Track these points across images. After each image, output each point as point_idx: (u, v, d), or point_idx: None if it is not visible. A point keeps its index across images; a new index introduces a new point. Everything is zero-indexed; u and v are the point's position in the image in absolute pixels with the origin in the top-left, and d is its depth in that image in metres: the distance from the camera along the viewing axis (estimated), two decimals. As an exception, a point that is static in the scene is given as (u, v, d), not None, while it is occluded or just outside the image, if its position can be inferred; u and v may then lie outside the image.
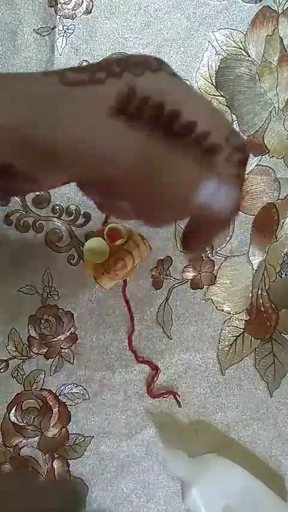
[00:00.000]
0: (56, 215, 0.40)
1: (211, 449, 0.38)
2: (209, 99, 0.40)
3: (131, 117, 0.21)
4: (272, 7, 0.41)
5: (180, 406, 0.40)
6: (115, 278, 0.36)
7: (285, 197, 0.41)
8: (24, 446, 0.39)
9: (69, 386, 0.40)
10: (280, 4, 0.41)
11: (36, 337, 0.40)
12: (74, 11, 0.40)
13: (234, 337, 0.41)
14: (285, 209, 0.41)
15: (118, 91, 0.21)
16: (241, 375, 0.40)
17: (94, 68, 0.21)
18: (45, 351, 0.40)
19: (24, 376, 0.40)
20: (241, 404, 0.40)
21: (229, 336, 0.41)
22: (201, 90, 0.40)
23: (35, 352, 0.40)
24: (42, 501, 0.36)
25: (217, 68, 0.40)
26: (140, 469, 0.40)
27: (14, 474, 0.39)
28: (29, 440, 0.39)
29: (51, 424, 0.40)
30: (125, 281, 0.40)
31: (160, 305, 0.40)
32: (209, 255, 0.41)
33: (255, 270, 0.41)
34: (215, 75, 0.40)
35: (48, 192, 0.39)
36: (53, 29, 0.40)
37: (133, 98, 0.21)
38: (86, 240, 0.40)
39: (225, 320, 0.41)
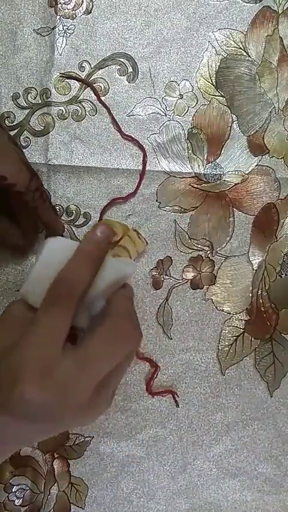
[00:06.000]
0: (56, 215, 0.40)
1: None
2: (209, 99, 0.40)
3: None
4: (272, 7, 0.41)
5: (178, 406, 0.40)
6: None
7: (285, 197, 0.41)
8: (24, 446, 0.40)
9: (69, 386, 0.40)
10: (280, 4, 0.41)
11: (36, 337, 0.40)
12: (74, 11, 0.40)
13: (234, 337, 0.41)
14: (285, 209, 0.41)
15: None
16: (241, 375, 0.40)
17: None
18: (45, 351, 0.40)
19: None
20: (241, 404, 0.40)
21: (229, 336, 0.41)
22: (201, 90, 0.40)
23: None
24: None
25: (217, 68, 0.40)
26: (140, 469, 0.40)
27: None
28: (29, 440, 0.40)
29: (51, 424, 0.40)
30: None
31: (160, 305, 0.40)
32: (209, 255, 0.41)
33: (255, 270, 0.41)
34: (215, 75, 0.41)
35: (48, 192, 0.39)
36: (53, 29, 0.40)
37: None
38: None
39: (225, 320, 0.41)
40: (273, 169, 0.41)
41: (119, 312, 0.29)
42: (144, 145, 0.40)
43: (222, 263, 0.41)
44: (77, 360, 0.26)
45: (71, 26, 0.40)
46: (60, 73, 0.40)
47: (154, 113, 0.40)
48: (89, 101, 0.40)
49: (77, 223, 0.40)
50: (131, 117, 0.40)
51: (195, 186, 0.40)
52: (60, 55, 0.40)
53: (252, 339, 0.41)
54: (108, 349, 0.27)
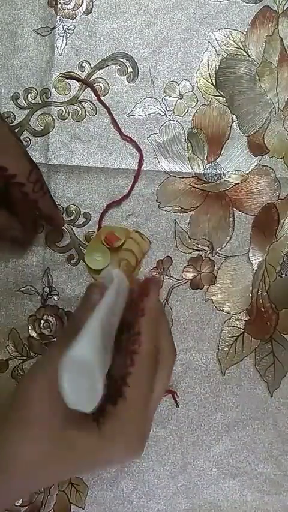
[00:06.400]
0: (56, 215, 0.40)
1: None
2: (209, 99, 0.40)
3: None
4: (272, 7, 0.41)
5: (177, 406, 0.40)
6: None
7: (285, 197, 0.41)
8: (24, 446, 0.39)
9: (69, 386, 0.40)
10: (280, 4, 0.41)
11: (36, 337, 0.40)
12: (74, 11, 0.40)
13: (234, 337, 0.41)
14: (285, 209, 0.41)
15: None
16: (241, 375, 0.40)
17: None
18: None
19: (24, 376, 0.40)
20: (241, 404, 0.40)
21: (229, 336, 0.41)
22: (201, 90, 0.40)
23: (35, 352, 0.40)
24: None
25: (217, 68, 0.40)
26: (140, 469, 0.40)
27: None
28: (29, 440, 0.39)
29: (51, 424, 0.40)
30: None
31: (160, 305, 0.40)
32: (209, 255, 0.41)
33: (255, 270, 0.41)
34: (215, 75, 0.41)
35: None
36: (53, 29, 0.40)
37: None
38: (86, 241, 0.40)
39: (225, 320, 0.41)
40: (273, 169, 0.41)
41: (170, 363, 0.30)
42: (144, 146, 0.40)
43: (222, 263, 0.41)
44: (152, 410, 0.29)
45: (71, 26, 0.40)
46: (60, 73, 0.40)
47: (154, 113, 0.40)
48: (89, 101, 0.40)
49: (77, 223, 0.40)
50: (131, 117, 0.40)
51: (195, 186, 0.40)
52: (60, 55, 0.40)
53: (252, 339, 0.41)
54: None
